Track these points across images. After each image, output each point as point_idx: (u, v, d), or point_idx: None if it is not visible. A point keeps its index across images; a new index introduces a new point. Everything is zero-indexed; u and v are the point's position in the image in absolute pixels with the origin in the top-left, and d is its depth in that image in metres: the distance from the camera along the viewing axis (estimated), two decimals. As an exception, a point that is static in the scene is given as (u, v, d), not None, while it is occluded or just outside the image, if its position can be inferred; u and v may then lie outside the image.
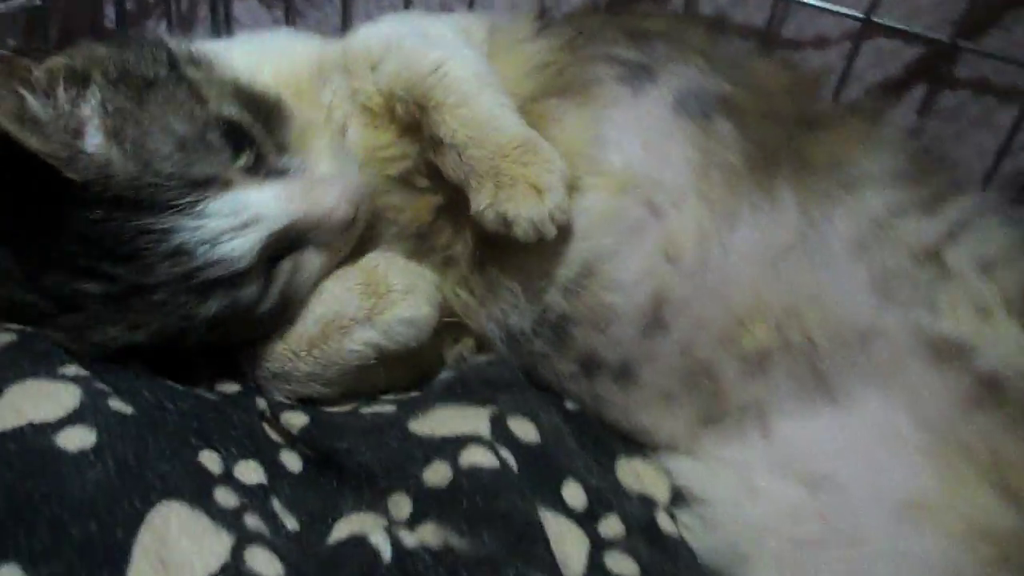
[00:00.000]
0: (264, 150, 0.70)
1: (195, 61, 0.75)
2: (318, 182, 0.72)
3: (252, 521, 0.60)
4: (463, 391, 0.76)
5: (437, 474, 0.66)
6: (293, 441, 0.71)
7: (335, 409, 0.75)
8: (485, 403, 0.73)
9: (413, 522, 0.63)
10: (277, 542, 0.59)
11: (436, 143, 0.75)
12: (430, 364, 0.82)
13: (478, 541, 0.61)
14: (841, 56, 0.96)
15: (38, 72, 0.65)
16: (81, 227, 0.64)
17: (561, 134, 0.78)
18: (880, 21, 0.92)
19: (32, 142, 0.61)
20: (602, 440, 0.77)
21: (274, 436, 0.72)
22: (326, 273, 0.75)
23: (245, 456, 0.66)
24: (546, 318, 0.78)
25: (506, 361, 0.80)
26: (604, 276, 0.76)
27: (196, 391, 0.71)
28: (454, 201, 0.77)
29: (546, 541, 0.62)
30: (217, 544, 0.56)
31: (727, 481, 0.74)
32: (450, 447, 0.67)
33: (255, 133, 0.70)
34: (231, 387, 0.74)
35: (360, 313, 0.73)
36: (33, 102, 0.64)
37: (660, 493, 0.74)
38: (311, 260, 0.73)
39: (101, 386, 0.64)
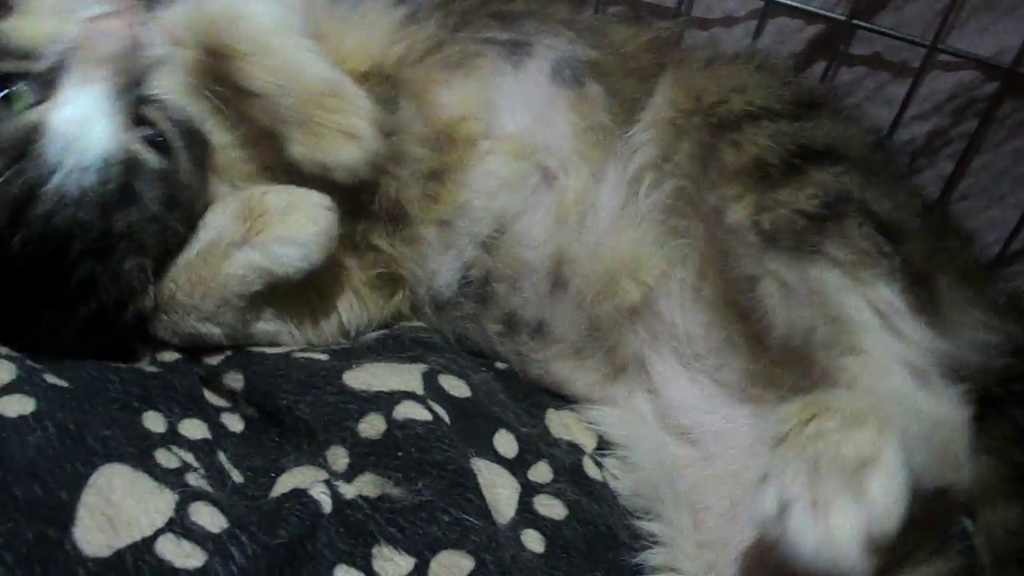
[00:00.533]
0: (17, 71, 0.68)
1: None
2: (84, 39, 0.69)
3: (195, 479, 0.62)
4: (395, 347, 0.79)
5: (372, 427, 0.68)
6: (235, 400, 0.73)
7: (269, 351, 0.76)
8: (416, 360, 0.76)
9: (351, 474, 0.66)
10: (221, 497, 0.61)
11: (242, 93, 0.75)
12: (330, 308, 0.82)
13: (413, 489, 0.65)
14: (747, 33, 1.02)
15: None
16: None
17: (451, 98, 0.82)
18: (783, 1, 0.98)
19: None
20: (532, 394, 0.82)
21: (214, 400, 0.74)
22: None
23: (188, 416, 0.68)
24: (470, 276, 0.82)
25: (436, 329, 0.85)
26: (515, 234, 0.81)
27: (137, 366, 0.72)
28: None
29: (478, 488, 0.66)
30: (161, 502, 0.58)
31: (639, 427, 0.80)
32: (384, 401, 0.70)
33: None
34: (171, 356, 0.75)
35: (237, 235, 0.72)
36: None
37: (587, 441, 0.78)
38: (168, 82, 0.72)
39: (35, 364, 0.65)
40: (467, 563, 0.62)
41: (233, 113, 0.77)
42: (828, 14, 0.98)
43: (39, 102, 0.67)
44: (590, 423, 0.80)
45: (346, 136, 0.73)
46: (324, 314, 0.81)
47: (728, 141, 0.76)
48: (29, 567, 0.52)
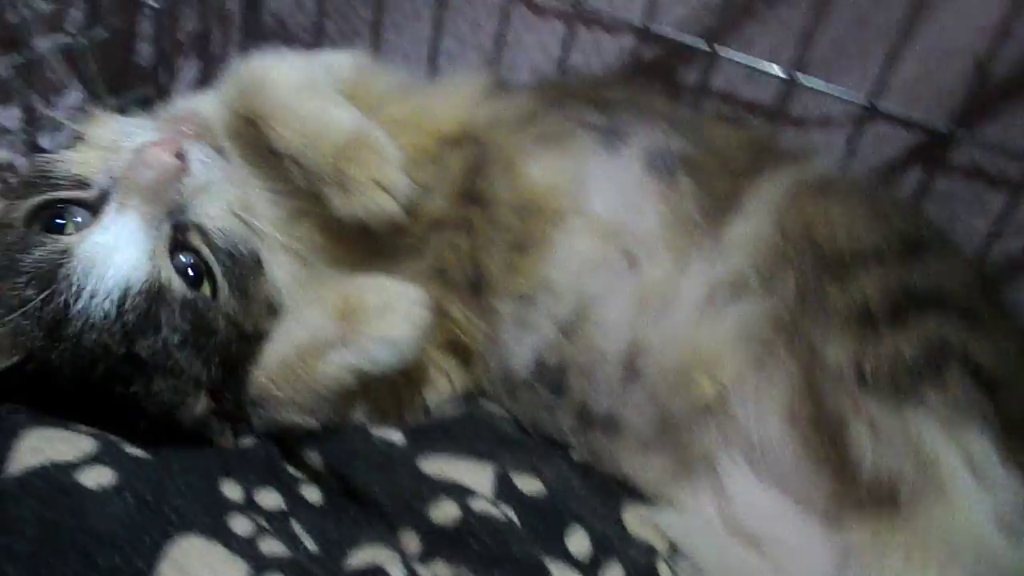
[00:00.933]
0: (71, 198, 0.70)
1: None
2: (129, 169, 0.70)
3: (268, 546, 0.62)
4: (468, 437, 0.78)
5: (445, 514, 0.68)
6: (315, 476, 0.73)
7: (347, 428, 0.76)
8: (488, 457, 0.75)
9: (425, 558, 0.66)
10: (294, 564, 0.61)
11: (277, 156, 0.77)
12: (416, 395, 0.82)
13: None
14: (844, 137, 1.01)
15: None
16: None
17: (541, 171, 0.83)
18: (882, 108, 0.97)
19: None
20: (608, 487, 0.80)
21: (293, 472, 0.74)
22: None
23: (265, 485, 0.69)
24: (547, 361, 0.81)
25: (511, 414, 0.84)
26: (595, 318, 0.80)
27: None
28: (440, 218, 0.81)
29: None
30: (235, 572, 0.58)
31: (706, 535, 0.78)
32: (457, 492, 0.70)
33: (57, 196, 0.70)
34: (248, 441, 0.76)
35: (333, 335, 0.72)
36: None
37: (660, 542, 0.76)
38: (208, 210, 0.72)
39: (114, 438, 0.66)
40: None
41: (284, 186, 0.79)
42: (929, 124, 0.97)
43: (84, 228, 0.69)
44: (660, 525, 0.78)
45: (378, 187, 0.75)
46: (409, 396, 0.82)
47: (836, 283, 0.75)
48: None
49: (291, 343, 0.73)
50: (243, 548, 0.60)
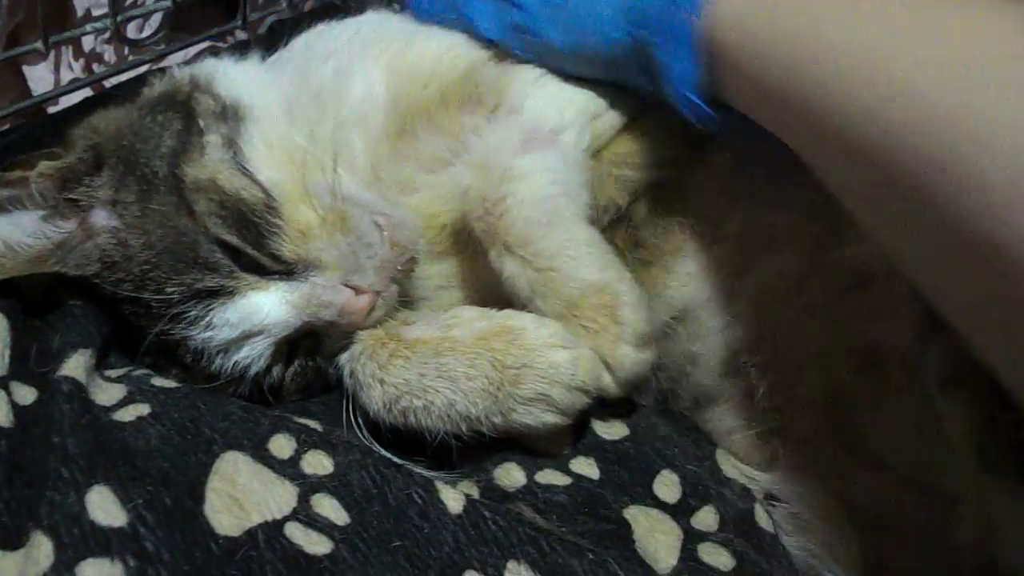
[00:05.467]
0: (261, 262, 0.66)
1: (219, 115, 0.72)
2: (323, 286, 0.66)
3: (309, 463, 0.60)
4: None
5: (509, 477, 0.66)
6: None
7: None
8: None
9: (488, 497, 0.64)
10: (336, 477, 0.59)
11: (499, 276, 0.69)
12: None
13: (559, 525, 0.61)
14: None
15: (35, 181, 0.66)
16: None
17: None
18: None
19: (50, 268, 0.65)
20: (700, 430, 0.75)
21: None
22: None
23: (302, 416, 0.67)
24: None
25: None
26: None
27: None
28: None
29: (632, 539, 0.62)
30: (284, 492, 0.57)
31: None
32: (530, 460, 0.67)
33: (248, 252, 0.65)
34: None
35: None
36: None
37: (756, 486, 0.71)
38: (336, 344, 0.70)
39: (142, 374, 0.65)
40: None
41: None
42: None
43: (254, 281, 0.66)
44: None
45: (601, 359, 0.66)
46: None
47: None
48: (170, 531, 0.51)
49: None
50: (287, 470, 0.58)
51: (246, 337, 0.65)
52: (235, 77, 0.76)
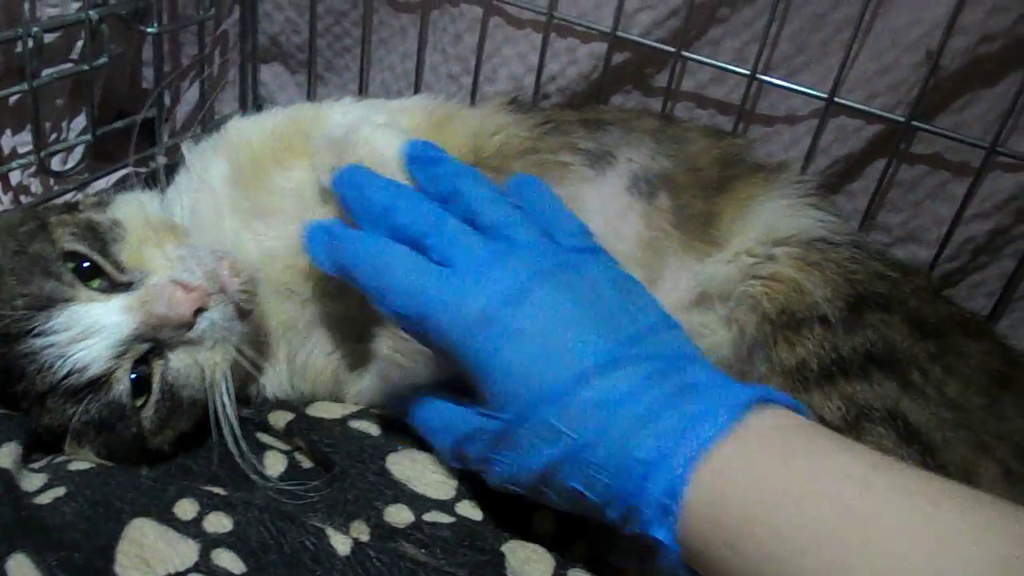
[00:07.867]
0: (106, 271, 0.75)
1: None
2: (152, 284, 0.74)
3: (213, 523, 0.67)
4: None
5: (399, 516, 0.71)
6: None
7: (327, 418, 0.81)
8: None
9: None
10: (236, 533, 0.66)
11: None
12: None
13: (438, 557, 0.68)
14: (809, 131, 1.05)
15: None
16: None
17: None
18: (843, 101, 1.01)
19: None
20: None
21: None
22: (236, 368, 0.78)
23: (212, 484, 0.75)
24: None
25: None
26: None
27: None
28: None
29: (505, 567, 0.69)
30: (187, 548, 0.64)
31: None
32: (419, 501, 0.73)
33: (95, 259, 0.75)
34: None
35: None
36: None
37: None
38: (182, 360, 0.75)
39: (61, 460, 0.74)
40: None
41: None
42: (888, 115, 1.00)
43: (96, 295, 0.74)
44: None
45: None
46: None
47: (785, 337, 0.79)
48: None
49: None
50: (190, 530, 0.66)
51: (80, 338, 0.71)
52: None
